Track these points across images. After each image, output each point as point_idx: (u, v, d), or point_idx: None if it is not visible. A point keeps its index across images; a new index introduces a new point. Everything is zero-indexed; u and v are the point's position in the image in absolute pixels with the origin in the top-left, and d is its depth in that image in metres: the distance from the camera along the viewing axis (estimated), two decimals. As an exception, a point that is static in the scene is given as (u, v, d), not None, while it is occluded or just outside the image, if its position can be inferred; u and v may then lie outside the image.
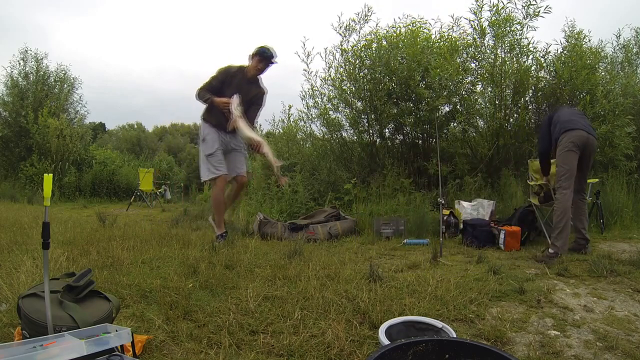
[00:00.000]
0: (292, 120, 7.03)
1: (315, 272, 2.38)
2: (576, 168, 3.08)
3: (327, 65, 6.05)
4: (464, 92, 5.60)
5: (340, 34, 5.84)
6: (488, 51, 5.37)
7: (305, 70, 6.05)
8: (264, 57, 3.27)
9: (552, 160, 3.95)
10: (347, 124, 6.20)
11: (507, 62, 5.20)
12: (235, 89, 3.22)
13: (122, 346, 1.25)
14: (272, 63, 3.37)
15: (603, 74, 5.51)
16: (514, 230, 3.42)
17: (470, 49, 5.54)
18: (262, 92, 3.46)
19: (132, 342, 1.24)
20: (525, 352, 1.46)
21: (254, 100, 3.39)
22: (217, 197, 3.39)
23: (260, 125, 6.66)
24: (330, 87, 6.17)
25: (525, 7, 5.03)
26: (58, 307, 1.27)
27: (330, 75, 6.07)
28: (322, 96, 6.18)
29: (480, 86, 5.60)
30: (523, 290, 2.12)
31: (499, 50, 5.26)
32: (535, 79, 5.20)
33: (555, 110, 3.45)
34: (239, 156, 3.52)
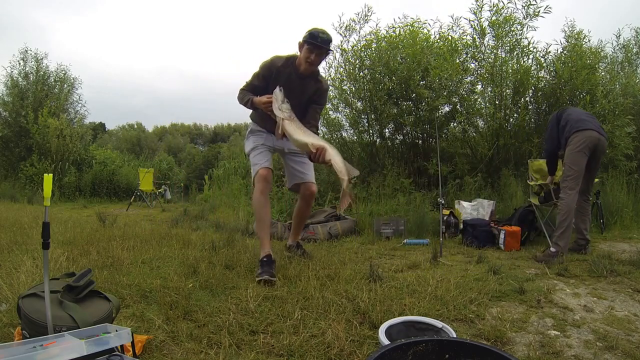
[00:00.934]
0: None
1: (315, 272, 2.38)
2: (584, 169, 3.06)
3: (327, 65, 6.06)
4: (463, 92, 5.61)
5: (340, 34, 5.84)
6: (488, 51, 5.38)
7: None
8: (314, 45, 2.42)
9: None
10: (347, 124, 6.22)
11: (507, 62, 5.21)
12: (284, 87, 2.41)
13: (122, 346, 1.25)
14: (328, 52, 2.55)
15: (603, 74, 5.52)
16: (514, 230, 3.42)
17: (470, 49, 5.54)
18: (322, 88, 2.68)
19: (132, 342, 1.24)
20: (525, 352, 1.46)
21: (312, 99, 2.65)
22: (255, 201, 2.58)
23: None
24: (330, 87, 6.18)
25: (525, 7, 5.04)
26: (58, 307, 1.27)
27: (330, 75, 6.08)
28: (322, 96, 6.18)
29: (480, 86, 5.61)
30: (523, 290, 2.12)
31: (499, 50, 5.27)
32: (535, 79, 5.20)
33: (562, 109, 3.40)
34: (299, 159, 2.77)
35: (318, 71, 2.66)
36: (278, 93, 2.32)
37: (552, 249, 2.97)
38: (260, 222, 2.59)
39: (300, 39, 2.51)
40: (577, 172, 3.02)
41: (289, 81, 2.50)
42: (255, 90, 2.59)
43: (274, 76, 2.55)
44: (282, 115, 2.29)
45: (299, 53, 2.56)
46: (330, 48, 2.54)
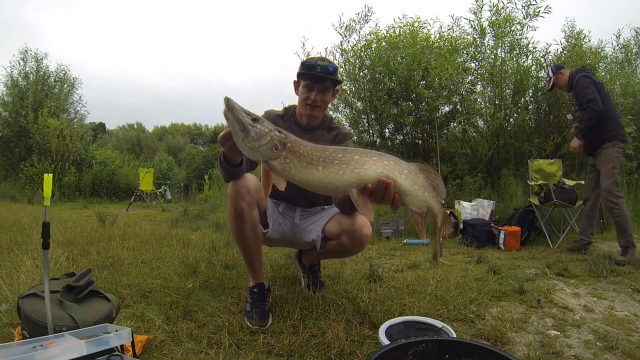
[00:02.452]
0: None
1: (315, 272, 2.37)
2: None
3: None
4: (464, 92, 5.61)
5: (340, 34, 5.85)
6: (488, 51, 5.38)
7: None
8: (313, 76, 1.71)
9: (552, 160, 3.96)
10: (347, 124, 6.21)
11: (507, 62, 5.21)
12: None
13: (122, 346, 1.25)
14: (335, 85, 1.79)
15: (603, 74, 5.52)
16: (514, 230, 3.42)
17: (470, 48, 5.55)
18: (341, 133, 1.89)
19: (132, 342, 1.24)
20: (525, 352, 1.46)
21: None
22: (232, 227, 1.70)
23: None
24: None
25: (525, 7, 5.04)
26: (58, 307, 1.27)
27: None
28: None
29: (480, 86, 5.61)
30: (523, 290, 2.13)
31: (499, 50, 5.27)
32: (535, 79, 5.21)
33: (596, 81, 3.19)
34: (318, 215, 1.95)
35: (329, 117, 1.92)
36: (227, 112, 1.08)
37: (633, 248, 2.96)
38: (241, 245, 1.72)
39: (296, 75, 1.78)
40: (617, 175, 3.08)
41: None
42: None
43: None
44: (260, 155, 1.10)
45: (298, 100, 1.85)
46: (338, 78, 1.78)
